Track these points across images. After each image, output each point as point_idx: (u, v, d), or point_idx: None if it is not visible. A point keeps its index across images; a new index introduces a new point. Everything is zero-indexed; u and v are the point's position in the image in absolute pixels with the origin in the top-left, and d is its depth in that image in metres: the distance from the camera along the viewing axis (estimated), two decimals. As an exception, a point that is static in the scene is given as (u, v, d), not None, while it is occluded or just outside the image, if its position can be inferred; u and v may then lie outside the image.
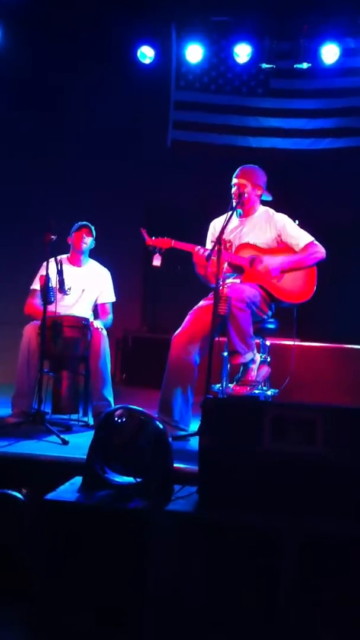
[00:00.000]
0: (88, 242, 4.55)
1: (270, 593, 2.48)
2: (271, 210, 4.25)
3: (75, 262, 4.59)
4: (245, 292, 3.93)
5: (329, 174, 6.33)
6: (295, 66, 6.29)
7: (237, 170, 4.18)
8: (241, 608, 2.50)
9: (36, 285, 4.48)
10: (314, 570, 2.47)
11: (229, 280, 4.06)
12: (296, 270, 4.09)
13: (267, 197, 4.25)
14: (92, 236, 4.55)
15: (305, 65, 6.28)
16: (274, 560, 2.48)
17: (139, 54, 6.36)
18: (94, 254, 4.70)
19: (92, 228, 4.55)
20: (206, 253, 3.89)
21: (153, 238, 4.00)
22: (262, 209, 4.26)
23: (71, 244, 4.57)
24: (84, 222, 4.54)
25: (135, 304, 6.88)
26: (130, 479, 2.84)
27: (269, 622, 2.46)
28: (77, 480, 2.93)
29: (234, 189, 4.12)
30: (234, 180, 4.15)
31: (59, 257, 4.30)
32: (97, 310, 4.65)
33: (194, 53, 6.38)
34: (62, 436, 3.77)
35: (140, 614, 2.56)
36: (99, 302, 4.64)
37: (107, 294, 4.65)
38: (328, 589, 2.45)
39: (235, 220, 4.20)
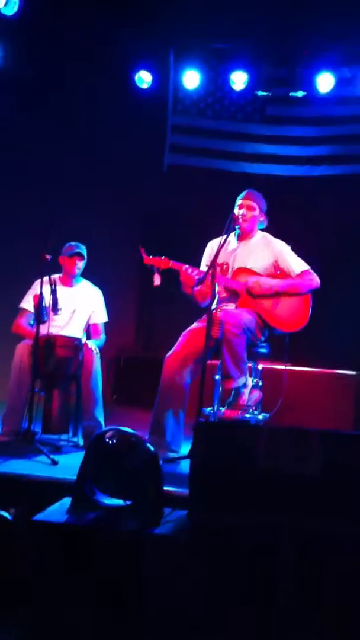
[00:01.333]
0: (80, 266, 4.57)
1: (264, 611, 2.47)
2: (269, 236, 4.28)
3: (67, 282, 4.60)
4: (241, 317, 3.95)
5: (324, 201, 6.38)
6: (290, 94, 6.37)
7: (244, 192, 4.22)
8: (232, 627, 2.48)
9: (25, 304, 4.48)
10: (307, 593, 2.45)
11: (223, 305, 4.08)
12: (290, 295, 4.11)
13: (263, 224, 4.30)
14: (84, 259, 4.56)
15: (300, 94, 6.36)
16: (266, 580, 2.47)
17: (136, 78, 6.43)
18: (90, 273, 4.70)
19: (84, 251, 4.55)
20: (196, 275, 3.91)
21: (151, 257, 4.02)
22: (259, 234, 4.29)
23: (63, 266, 4.58)
24: (77, 248, 4.53)
25: (129, 323, 6.88)
26: (119, 501, 2.83)
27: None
28: (66, 501, 2.91)
29: (241, 210, 4.14)
30: (242, 202, 4.17)
31: (53, 277, 4.30)
32: (89, 330, 4.65)
33: (191, 79, 6.44)
34: (51, 456, 3.75)
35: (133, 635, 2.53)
36: (91, 322, 4.64)
37: (99, 314, 4.66)
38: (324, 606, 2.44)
39: (232, 242, 4.23)
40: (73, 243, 4.56)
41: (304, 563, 2.48)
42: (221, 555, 2.55)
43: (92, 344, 4.43)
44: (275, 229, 4.35)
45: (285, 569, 2.46)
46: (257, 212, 4.20)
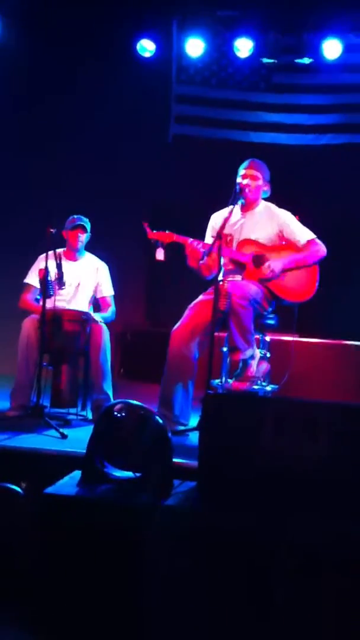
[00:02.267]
0: (83, 239, 4.55)
1: (267, 591, 2.48)
2: (273, 206, 4.23)
3: (71, 257, 4.57)
4: (248, 289, 3.93)
5: (330, 170, 6.30)
6: (296, 61, 6.27)
7: (247, 162, 4.16)
8: (238, 605, 2.50)
9: (30, 279, 4.46)
10: (312, 572, 2.46)
11: (229, 277, 4.06)
12: (298, 268, 4.08)
13: (267, 194, 4.25)
14: (87, 232, 4.53)
15: (307, 61, 6.25)
16: (272, 561, 2.48)
17: (138, 47, 6.31)
18: (96, 248, 4.68)
19: (87, 224, 4.53)
20: (201, 248, 3.88)
21: (154, 232, 3.98)
22: (263, 204, 4.24)
23: (66, 240, 4.55)
24: (79, 221, 4.51)
25: (139, 298, 6.87)
26: (129, 474, 2.84)
27: (264, 621, 2.45)
28: (77, 474, 2.93)
29: (245, 181, 4.08)
30: (246, 172, 4.11)
31: (57, 251, 4.28)
32: (96, 304, 4.64)
33: (195, 46, 6.33)
34: (61, 430, 3.77)
35: (138, 608, 2.56)
36: (98, 296, 4.63)
37: (106, 288, 4.64)
38: (327, 589, 2.45)
39: (237, 214, 4.19)
40: (75, 216, 4.53)
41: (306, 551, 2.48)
42: (229, 527, 2.55)
43: (99, 317, 4.42)
44: (281, 198, 4.30)
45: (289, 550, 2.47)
46: (260, 182, 4.15)
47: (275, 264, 4.03)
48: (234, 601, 2.49)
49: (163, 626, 2.50)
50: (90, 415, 4.33)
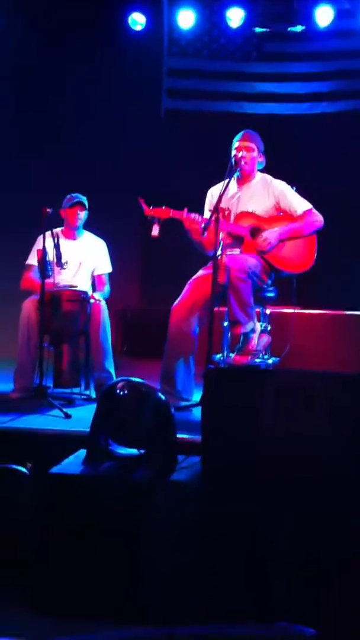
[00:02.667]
0: (82, 216, 4.52)
1: (273, 557, 2.51)
2: (269, 177, 4.20)
3: (69, 235, 4.55)
4: (246, 262, 3.91)
5: (326, 139, 6.25)
6: (289, 29, 6.19)
7: (241, 133, 4.11)
8: (240, 582, 2.52)
9: (32, 260, 4.45)
10: (313, 551, 2.48)
11: (228, 251, 4.04)
12: (295, 238, 4.06)
13: (262, 164, 4.21)
14: (86, 209, 4.51)
15: (299, 28, 6.18)
16: (275, 535, 2.50)
17: (129, 20, 6.25)
18: (91, 227, 4.66)
19: (85, 201, 4.50)
20: (200, 221, 3.86)
21: (151, 208, 3.95)
22: (259, 176, 4.21)
23: (65, 218, 4.53)
24: (77, 198, 4.48)
25: (134, 276, 6.85)
26: (134, 451, 2.85)
27: (269, 589, 2.48)
28: (81, 453, 2.94)
29: (240, 153, 4.03)
30: (240, 144, 4.07)
31: (55, 231, 4.26)
32: (94, 282, 4.63)
33: (186, 18, 6.27)
34: (64, 410, 3.78)
35: (144, 585, 2.59)
36: (95, 273, 4.61)
37: (104, 265, 4.62)
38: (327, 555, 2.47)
39: (233, 187, 4.15)
40: (73, 194, 4.50)
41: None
42: (233, 502, 2.57)
43: (98, 296, 4.42)
44: (277, 169, 4.27)
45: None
46: (255, 153, 4.11)
47: (270, 234, 4.01)
48: (236, 576, 2.51)
49: (164, 604, 2.52)
50: (93, 394, 4.33)
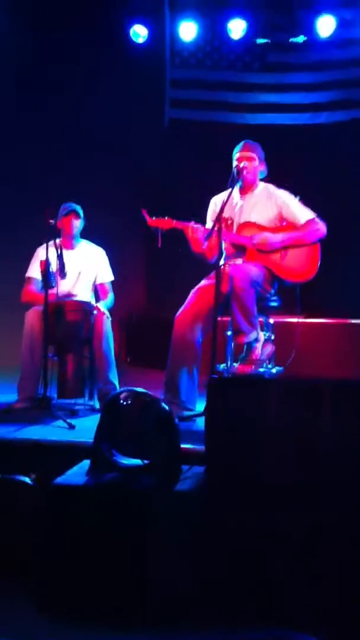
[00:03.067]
0: (77, 225, 4.51)
1: (275, 565, 2.50)
2: (272, 187, 4.21)
3: (67, 245, 4.54)
4: (249, 271, 3.91)
5: (328, 148, 6.27)
6: (290, 40, 6.22)
7: (241, 144, 4.13)
8: (249, 581, 2.51)
9: (32, 272, 4.46)
10: (317, 543, 2.48)
11: (230, 261, 4.04)
12: (297, 247, 4.07)
13: (264, 173, 4.23)
14: (80, 218, 4.51)
15: (301, 39, 6.20)
16: (281, 533, 2.49)
17: (131, 33, 6.29)
18: (95, 234, 4.66)
19: (79, 210, 4.50)
20: (201, 232, 3.86)
21: (154, 218, 3.96)
22: (262, 186, 4.22)
23: (61, 229, 4.52)
24: (70, 207, 4.48)
25: (139, 284, 6.86)
26: (137, 461, 2.84)
27: (272, 594, 2.47)
28: (85, 463, 2.93)
29: (241, 163, 4.05)
30: (241, 154, 4.09)
31: (57, 241, 4.27)
32: (97, 292, 4.63)
33: (188, 30, 6.31)
34: (68, 420, 3.77)
35: (148, 593, 2.58)
36: (97, 282, 4.60)
37: (105, 274, 4.62)
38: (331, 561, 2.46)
39: (236, 197, 4.17)
40: (67, 204, 4.50)
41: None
42: (237, 511, 2.56)
43: (102, 307, 4.42)
44: (280, 178, 4.28)
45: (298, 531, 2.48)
46: (256, 163, 4.13)
47: (270, 236, 4.01)
48: (238, 583, 2.50)
49: (167, 610, 2.52)
50: (97, 405, 4.33)
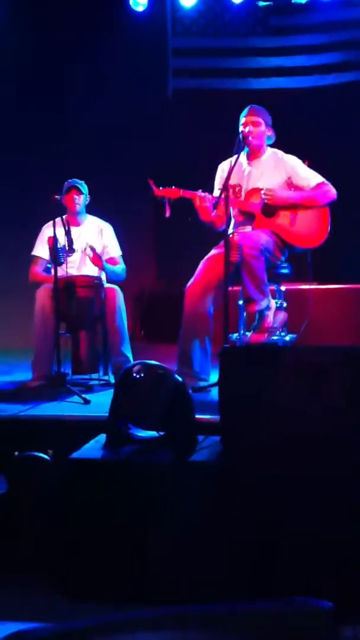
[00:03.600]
0: (80, 201, 4.47)
1: (292, 536, 2.50)
2: (280, 152, 4.15)
3: (73, 222, 4.49)
4: (258, 239, 3.87)
5: (335, 111, 6.15)
6: (293, 1, 6.09)
7: (247, 109, 4.06)
8: (269, 549, 2.52)
9: (37, 251, 4.44)
10: (338, 514, 2.47)
11: (239, 229, 4.00)
12: (307, 208, 4.00)
13: (271, 139, 4.16)
14: (83, 193, 4.47)
15: (304, 0, 6.07)
16: (296, 501, 2.49)
17: (131, 1, 6.18)
18: (101, 210, 4.63)
19: (81, 185, 4.45)
20: (209, 201, 3.82)
21: (161, 188, 3.93)
22: (270, 151, 4.16)
23: (66, 206, 4.47)
24: (72, 182, 4.44)
25: (149, 258, 6.82)
26: (153, 433, 2.85)
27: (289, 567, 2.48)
28: (101, 437, 2.95)
29: (247, 128, 3.98)
30: (246, 119, 4.02)
31: (65, 217, 4.25)
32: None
33: (189, -4, 6.19)
34: (83, 396, 3.78)
35: (172, 566, 2.59)
36: (105, 257, 4.57)
37: (112, 248, 4.58)
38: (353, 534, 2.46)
39: (243, 162, 4.11)
40: (70, 180, 4.46)
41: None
42: (254, 482, 2.56)
43: (112, 285, 4.39)
44: (288, 143, 4.21)
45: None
46: (263, 127, 4.06)
47: (279, 191, 3.96)
48: (252, 556, 2.51)
49: (181, 584, 2.53)
50: (112, 379, 4.33)
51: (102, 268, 4.36)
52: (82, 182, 4.47)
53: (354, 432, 2.53)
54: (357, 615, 2.29)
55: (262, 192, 3.97)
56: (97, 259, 4.32)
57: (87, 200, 4.50)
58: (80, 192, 4.44)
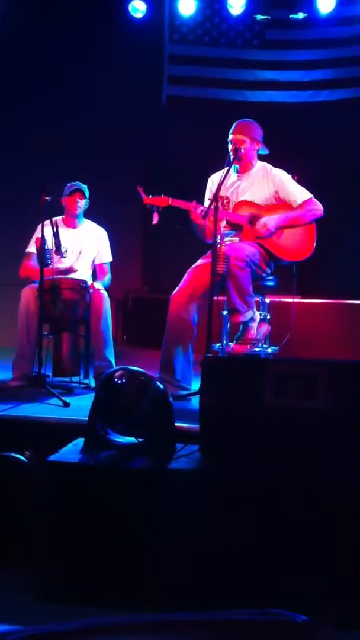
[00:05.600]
0: (82, 205, 4.49)
1: (271, 541, 2.51)
2: (269, 166, 4.18)
3: (70, 224, 4.53)
4: (244, 250, 3.90)
5: (328, 127, 6.22)
6: (290, 16, 6.14)
7: (234, 125, 4.10)
8: (243, 559, 2.53)
9: (31, 248, 4.44)
10: (313, 518, 2.49)
11: (227, 239, 4.02)
12: (294, 227, 4.05)
13: (264, 151, 4.19)
14: (86, 198, 4.49)
15: (301, 15, 6.12)
16: (275, 510, 2.51)
17: (130, 8, 6.21)
18: (92, 214, 4.64)
19: (85, 189, 4.48)
20: (199, 211, 3.85)
21: (150, 196, 3.94)
22: (259, 165, 4.19)
23: (65, 206, 4.51)
24: (76, 185, 4.46)
25: (136, 263, 6.84)
26: (132, 439, 2.85)
27: (268, 572, 2.49)
28: (80, 441, 2.94)
29: (231, 145, 4.05)
30: (231, 136, 4.07)
31: (54, 219, 4.25)
32: (95, 271, 4.62)
33: (187, 5, 6.23)
34: (63, 398, 3.77)
35: (144, 572, 2.59)
36: (96, 262, 4.59)
37: (105, 254, 4.61)
38: (326, 537, 2.48)
39: (233, 176, 4.14)
40: (74, 182, 4.49)
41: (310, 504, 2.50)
42: (231, 489, 2.58)
43: (100, 285, 4.41)
44: (279, 157, 4.24)
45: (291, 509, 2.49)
46: (248, 145, 4.07)
47: (269, 220, 4.00)
48: (239, 552, 2.52)
49: (164, 590, 2.53)
50: (92, 383, 4.33)
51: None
52: (86, 186, 4.48)
53: (337, 445, 2.56)
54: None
55: (258, 229, 3.98)
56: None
57: (87, 205, 4.52)
58: (83, 196, 4.46)
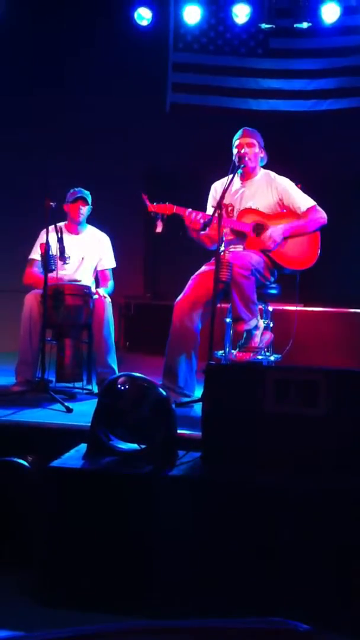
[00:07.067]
0: (84, 212, 4.51)
1: (271, 547, 2.52)
2: (272, 174, 4.20)
3: (73, 230, 4.55)
4: (249, 258, 3.91)
5: (331, 136, 6.24)
6: (295, 26, 6.16)
7: (241, 131, 4.12)
8: (243, 565, 2.54)
9: (35, 254, 4.45)
10: (313, 524, 2.50)
11: (231, 247, 4.04)
12: (298, 236, 4.06)
13: (264, 160, 4.22)
14: (88, 205, 4.51)
15: (305, 25, 6.14)
16: (275, 517, 2.51)
17: (136, 15, 6.24)
18: (95, 220, 4.66)
19: (88, 196, 4.49)
20: (201, 219, 3.86)
21: (154, 204, 3.96)
22: (262, 172, 4.21)
23: (67, 213, 4.52)
24: (79, 192, 4.48)
25: (138, 270, 6.85)
26: (134, 446, 2.86)
27: (268, 578, 2.49)
28: (82, 447, 2.95)
29: (241, 150, 4.03)
30: (241, 141, 4.07)
31: (58, 225, 4.27)
32: (97, 278, 4.63)
33: (192, 14, 6.25)
34: (66, 404, 3.78)
35: (144, 577, 2.60)
36: (99, 268, 4.61)
37: (107, 260, 4.62)
38: (327, 543, 2.48)
39: (236, 183, 4.15)
40: (76, 189, 4.50)
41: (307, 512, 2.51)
42: (232, 496, 2.58)
43: (103, 292, 4.42)
44: (282, 165, 4.26)
45: (291, 517, 2.50)
46: (257, 149, 4.12)
47: (275, 232, 4.01)
48: (240, 557, 2.52)
49: (165, 597, 2.53)
50: (95, 389, 4.34)
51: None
52: (88, 192, 4.50)
53: (337, 450, 2.57)
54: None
55: (265, 242, 3.99)
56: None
57: (89, 211, 4.53)
58: (86, 203, 4.48)
